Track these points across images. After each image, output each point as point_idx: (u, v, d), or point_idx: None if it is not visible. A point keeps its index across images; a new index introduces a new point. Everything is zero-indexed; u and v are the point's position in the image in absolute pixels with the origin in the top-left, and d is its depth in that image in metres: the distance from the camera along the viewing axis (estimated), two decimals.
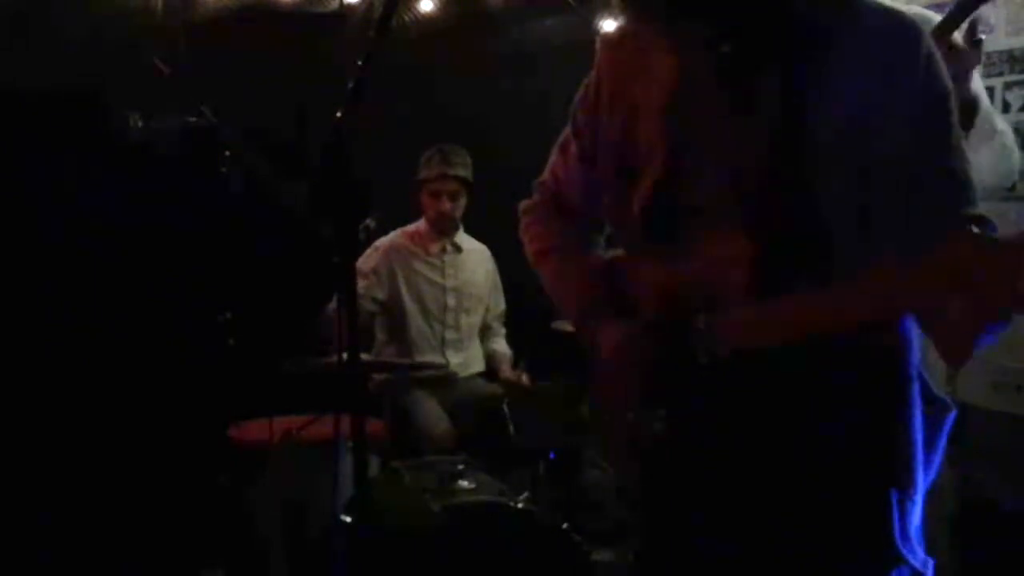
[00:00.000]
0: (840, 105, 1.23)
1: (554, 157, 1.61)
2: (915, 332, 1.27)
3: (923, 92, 1.26)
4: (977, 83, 2.09)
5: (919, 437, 1.29)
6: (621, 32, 1.46)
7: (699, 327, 1.27)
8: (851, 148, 1.23)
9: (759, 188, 1.25)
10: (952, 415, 1.33)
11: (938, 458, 1.33)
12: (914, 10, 2.18)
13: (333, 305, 3.30)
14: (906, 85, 1.25)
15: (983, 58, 2.33)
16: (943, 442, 1.33)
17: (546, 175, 1.64)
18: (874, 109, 1.23)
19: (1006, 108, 3.12)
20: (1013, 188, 2.69)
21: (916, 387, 1.30)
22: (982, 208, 1.28)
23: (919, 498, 1.29)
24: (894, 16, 1.30)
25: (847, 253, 1.22)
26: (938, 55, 1.28)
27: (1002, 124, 1.99)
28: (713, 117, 1.29)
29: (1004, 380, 3.03)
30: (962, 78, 1.87)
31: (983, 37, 2.03)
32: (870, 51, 1.25)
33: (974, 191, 1.29)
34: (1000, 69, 3.13)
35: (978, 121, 1.89)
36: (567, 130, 1.56)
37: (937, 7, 2.82)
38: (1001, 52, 3.13)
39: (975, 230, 1.09)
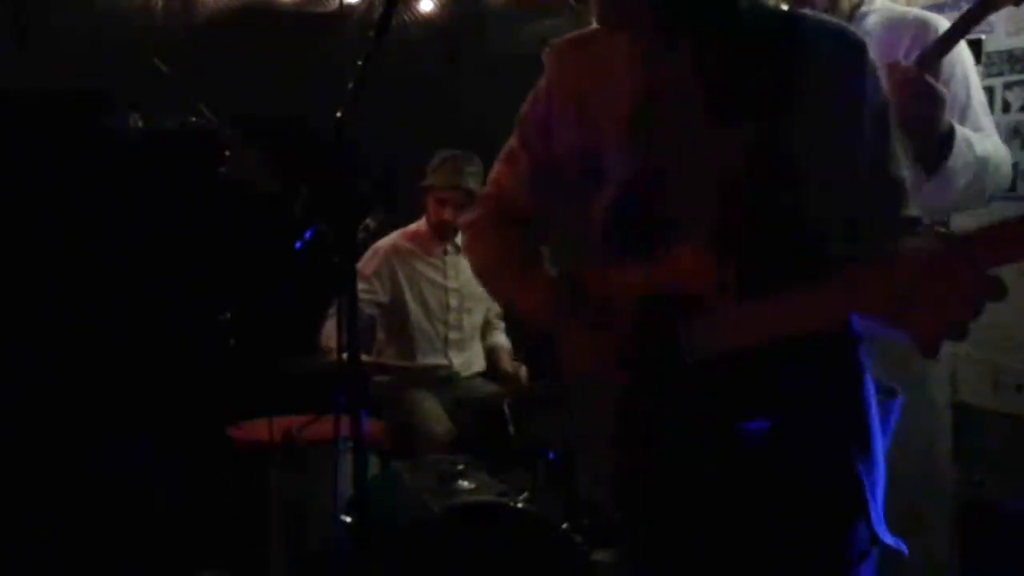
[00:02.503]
0: (801, 117, 1.25)
1: (499, 169, 1.59)
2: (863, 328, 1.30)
3: (869, 104, 1.29)
4: (975, 90, 2.10)
5: (876, 421, 1.33)
6: (576, 40, 1.46)
7: (682, 332, 1.27)
8: (813, 157, 1.25)
9: (733, 198, 1.27)
10: (899, 401, 1.38)
11: (887, 442, 1.36)
12: (914, 12, 2.19)
13: (332, 316, 3.31)
14: (856, 99, 1.28)
15: (983, 58, 2.34)
16: (891, 427, 1.38)
17: (489, 188, 1.62)
18: (827, 122, 1.26)
19: (1006, 108, 3.12)
20: (1013, 188, 2.69)
21: (868, 376, 1.34)
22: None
23: (880, 479, 1.32)
24: (838, 30, 1.33)
25: (813, 255, 1.25)
26: (878, 68, 1.31)
27: (983, 149, 2.00)
28: (678, 131, 1.30)
29: (1004, 380, 3.03)
30: (937, 107, 1.91)
31: (983, 37, 2.05)
32: (819, 66, 1.27)
33: (908, 194, 1.34)
34: (1000, 69, 3.13)
35: (956, 144, 1.93)
36: (513, 141, 1.55)
37: (937, 8, 2.82)
38: (1001, 52, 3.13)
39: (942, 230, 1.10)
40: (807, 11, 1.40)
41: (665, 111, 1.32)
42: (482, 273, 1.66)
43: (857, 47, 1.30)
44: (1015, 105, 3.12)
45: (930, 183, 1.95)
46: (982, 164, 1.99)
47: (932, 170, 1.95)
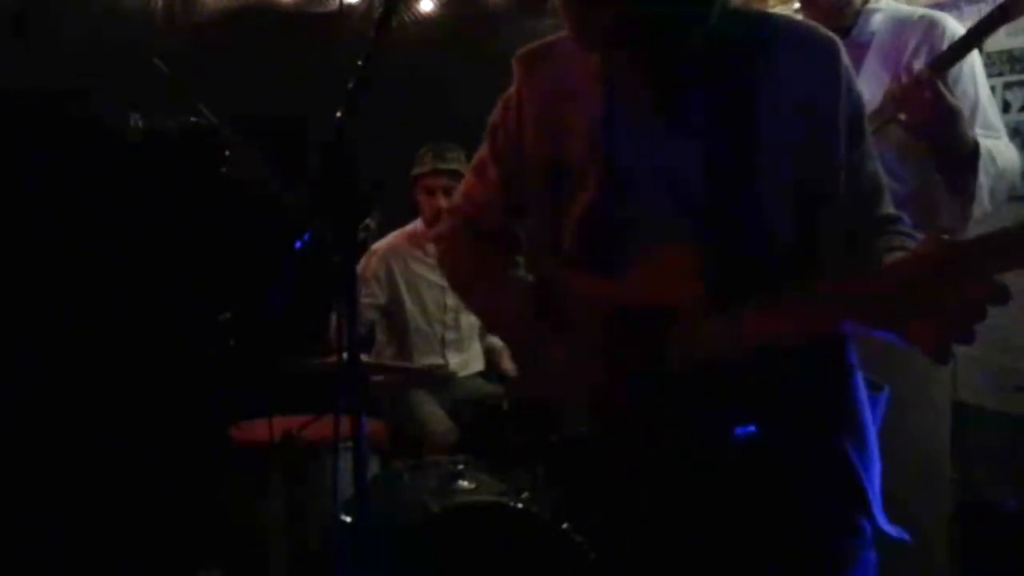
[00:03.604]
0: (768, 123, 1.26)
1: (469, 180, 1.58)
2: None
3: (845, 105, 1.29)
4: (983, 88, 2.10)
5: (869, 417, 1.34)
6: (544, 48, 1.45)
7: (670, 338, 1.26)
8: (783, 162, 1.26)
9: (703, 204, 1.27)
10: (884, 396, 1.37)
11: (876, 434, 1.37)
12: (921, 12, 2.19)
13: (334, 323, 3.31)
14: (829, 100, 1.28)
15: (984, 58, 2.34)
16: (879, 421, 1.38)
17: (459, 200, 1.61)
18: (800, 124, 1.26)
19: (1006, 108, 3.12)
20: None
21: (859, 373, 1.34)
22: None
23: (877, 473, 1.32)
24: (811, 32, 1.32)
25: (792, 260, 1.26)
26: (852, 69, 1.31)
27: (1004, 160, 2.01)
28: (648, 142, 1.30)
29: (1004, 380, 3.03)
30: (957, 122, 1.90)
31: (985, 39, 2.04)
32: (792, 69, 1.27)
33: (887, 192, 1.35)
34: (1000, 69, 3.13)
35: (982, 161, 1.93)
36: (483, 152, 1.54)
37: (939, 7, 2.82)
38: (1001, 52, 3.13)
39: (944, 236, 1.09)
40: (779, 13, 1.39)
41: (629, 122, 1.32)
42: (456, 286, 1.66)
43: (828, 48, 1.29)
44: (1015, 105, 3.12)
45: (960, 203, 1.96)
46: (1001, 175, 1.99)
47: (962, 189, 1.95)
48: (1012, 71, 3.11)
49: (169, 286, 3.68)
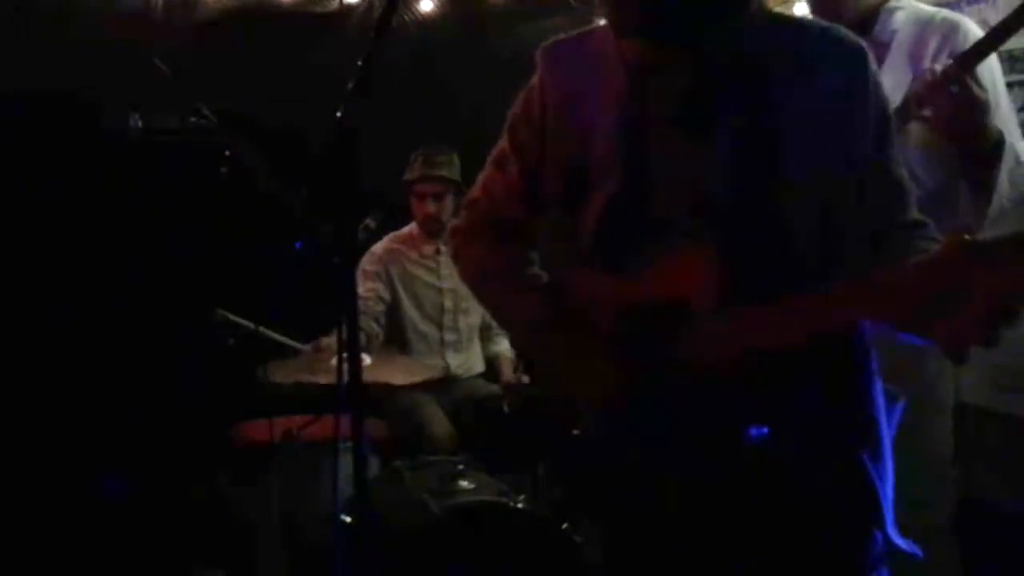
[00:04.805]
0: (794, 127, 1.25)
1: (489, 173, 1.57)
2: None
3: (873, 112, 1.29)
4: (1003, 96, 2.09)
5: (886, 428, 1.33)
6: (569, 42, 1.45)
7: (682, 337, 1.26)
8: (807, 167, 1.25)
9: (722, 207, 1.26)
10: (900, 405, 1.36)
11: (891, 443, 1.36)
12: (943, 14, 2.17)
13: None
14: (857, 107, 1.28)
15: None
16: (893, 431, 1.37)
17: (478, 193, 1.60)
18: (827, 129, 1.26)
19: None
20: None
21: (878, 380, 1.33)
22: None
23: (891, 485, 1.31)
24: (840, 37, 1.32)
25: (810, 263, 1.26)
26: (880, 75, 1.31)
27: (1022, 155, 2.00)
28: (671, 142, 1.30)
29: (1004, 380, 3.03)
30: (984, 115, 1.89)
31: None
32: (819, 75, 1.27)
33: (913, 197, 1.34)
34: (1000, 69, 3.13)
35: (1006, 154, 1.92)
36: (503, 145, 1.53)
37: (948, 6, 2.82)
38: (1001, 52, 3.12)
39: (967, 237, 1.08)
40: (808, 18, 1.39)
41: (652, 122, 1.31)
42: (470, 281, 1.65)
43: (857, 53, 1.29)
44: (1015, 105, 3.11)
45: (981, 201, 1.94)
46: (1021, 164, 1.97)
47: (984, 187, 1.93)
48: (1012, 71, 3.10)
49: (168, 286, 3.68)
